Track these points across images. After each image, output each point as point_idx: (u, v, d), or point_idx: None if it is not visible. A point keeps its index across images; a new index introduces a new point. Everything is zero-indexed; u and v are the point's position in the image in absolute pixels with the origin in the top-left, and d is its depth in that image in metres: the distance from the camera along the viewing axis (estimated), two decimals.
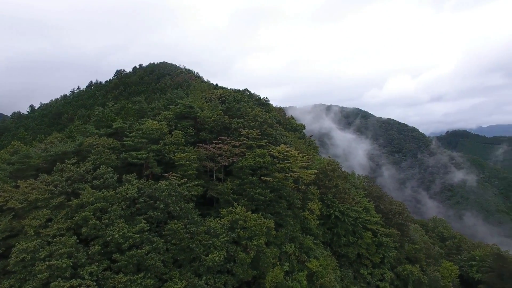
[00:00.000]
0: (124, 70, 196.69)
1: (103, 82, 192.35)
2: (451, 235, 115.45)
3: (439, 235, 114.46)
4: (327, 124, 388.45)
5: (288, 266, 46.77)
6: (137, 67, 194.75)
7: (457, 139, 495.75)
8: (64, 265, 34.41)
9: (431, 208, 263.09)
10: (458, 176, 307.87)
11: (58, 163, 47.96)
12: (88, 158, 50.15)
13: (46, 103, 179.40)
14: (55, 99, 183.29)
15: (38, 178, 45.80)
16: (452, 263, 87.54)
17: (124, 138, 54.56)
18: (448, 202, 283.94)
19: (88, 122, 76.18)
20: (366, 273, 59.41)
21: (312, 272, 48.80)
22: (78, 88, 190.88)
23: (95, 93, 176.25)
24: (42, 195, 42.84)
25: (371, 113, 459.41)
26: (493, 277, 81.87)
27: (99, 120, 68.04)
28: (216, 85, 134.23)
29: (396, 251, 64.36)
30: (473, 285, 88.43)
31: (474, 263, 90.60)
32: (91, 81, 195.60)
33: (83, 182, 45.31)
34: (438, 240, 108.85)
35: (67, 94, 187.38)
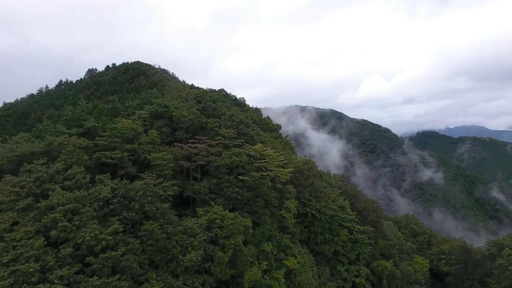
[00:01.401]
0: (96, 69, 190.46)
1: (74, 82, 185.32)
2: (422, 231, 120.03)
3: (411, 231, 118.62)
4: (303, 124, 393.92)
5: (266, 264, 46.83)
6: (110, 66, 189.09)
7: (427, 139, 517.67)
8: (30, 270, 32.77)
9: (403, 205, 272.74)
10: (427, 174, 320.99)
11: (25, 164, 45.75)
12: (59, 158, 48.14)
13: (11, 102, 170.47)
14: (20, 98, 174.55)
15: (3, 179, 43.47)
16: (423, 257, 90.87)
17: (97, 138, 52.77)
18: (419, 199, 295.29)
19: (58, 122, 73.18)
20: (343, 270, 60.46)
21: (290, 270, 49.14)
22: (47, 87, 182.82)
23: (65, 93, 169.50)
24: (6, 197, 40.70)
25: (346, 114, 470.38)
26: (460, 269, 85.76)
27: (70, 119, 65.47)
28: (192, 85, 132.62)
29: (371, 247, 65.96)
30: (442, 278, 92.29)
31: (443, 256, 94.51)
32: (61, 80, 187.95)
33: (53, 183, 43.45)
34: (410, 236, 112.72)
35: (34, 93, 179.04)
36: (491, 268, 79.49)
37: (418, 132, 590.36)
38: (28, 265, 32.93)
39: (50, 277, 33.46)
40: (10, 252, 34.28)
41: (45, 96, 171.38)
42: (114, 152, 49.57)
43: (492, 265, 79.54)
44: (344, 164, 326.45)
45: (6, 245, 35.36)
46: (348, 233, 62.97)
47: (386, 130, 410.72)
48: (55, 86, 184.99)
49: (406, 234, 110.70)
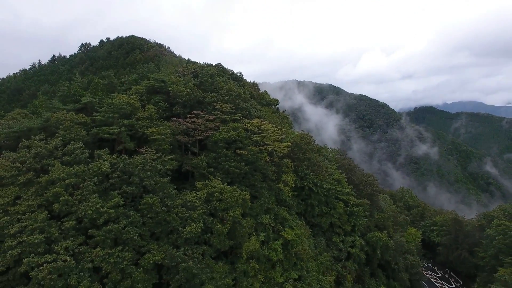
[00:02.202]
0: (90, 44, 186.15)
1: (67, 57, 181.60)
2: (416, 204, 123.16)
3: (406, 204, 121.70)
4: (300, 99, 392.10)
5: (264, 236, 48.21)
6: (104, 41, 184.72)
7: (424, 115, 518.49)
8: (36, 241, 33.70)
9: (398, 179, 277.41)
10: (423, 149, 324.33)
11: (23, 140, 45.86)
12: (57, 134, 48.21)
13: (3, 78, 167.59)
14: (13, 73, 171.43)
15: (2, 155, 43.72)
16: (416, 229, 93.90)
17: (94, 113, 52.66)
18: (414, 174, 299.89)
19: (54, 98, 72.53)
20: (338, 241, 62.42)
21: (287, 241, 50.67)
22: (40, 62, 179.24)
23: (59, 68, 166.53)
24: (8, 172, 41.11)
25: (344, 89, 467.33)
26: (450, 239, 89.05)
27: (66, 95, 64.90)
28: (189, 59, 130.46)
29: (366, 219, 67.75)
30: (433, 248, 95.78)
31: (435, 228, 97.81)
32: (54, 55, 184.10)
33: (53, 158, 43.74)
34: (404, 209, 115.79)
35: (27, 69, 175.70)
36: (480, 238, 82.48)
37: (415, 108, 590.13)
38: (33, 237, 33.81)
39: (55, 248, 34.46)
40: (15, 225, 35.07)
41: (38, 72, 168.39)
42: (111, 127, 49.63)
43: (481, 235, 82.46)
44: (341, 139, 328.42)
45: (11, 218, 36.09)
46: (344, 206, 64.48)
47: (384, 105, 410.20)
48: (48, 61, 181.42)
49: (400, 207, 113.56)
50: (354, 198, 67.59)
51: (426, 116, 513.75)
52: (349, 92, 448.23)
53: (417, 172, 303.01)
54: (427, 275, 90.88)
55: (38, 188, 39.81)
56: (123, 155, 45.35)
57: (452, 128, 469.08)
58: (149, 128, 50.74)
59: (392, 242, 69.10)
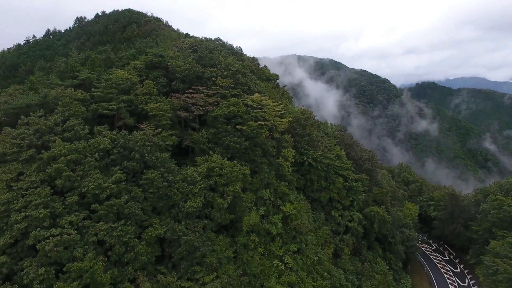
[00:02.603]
0: (85, 18, 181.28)
1: (63, 31, 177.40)
2: (415, 180, 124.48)
3: (404, 180, 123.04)
4: (300, 74, 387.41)
5: (264, 210, 49.16)
6: (100, 14, 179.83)
7: (425, 91, 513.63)
8: (41, 215, 34.42)
9: (397, 155, 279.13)
10: (422, 125, 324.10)
11: (22, 116, 45.77)
12: (56, 111, 48.05)
13: None
14: (7, 49, 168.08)
15: (2, 132, 43.75)
16: (414, 204, 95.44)
17: (93, 89, 52.21)
18: (413, 150, 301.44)
19: (51, 74, 71.65)
20: (337, 215, 63.67)
21: (287, 215, 51.71)
22: (34, 37, 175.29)
23: (55, 43, 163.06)
24: (9, 149, 41.32)
25: (345, 64, 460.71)
26: (446, 214, 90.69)
27: (63, 71, 64.10)
28: (187, 34, 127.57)
29: (364, 194, 68.74)
30: (429, 222, 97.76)
31: (432, 203, 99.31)
32: (49, 30, 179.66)
33: (53, 135, 43.86)
34: (403, 184, 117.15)
35: (22, 44, 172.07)
36: (475, 213, 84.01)
37: (417, 83, 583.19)
38: (38, 212, 34.51)
39: (60, 222, 35.25)
40: (20, 200, 35.68)
41: (33, 47, 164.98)
42: (110, 103, 49.38)
43: (477, 210, 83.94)
44: (341, 114, 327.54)
45: (15, 193, 36.67)
46: (343, 181, 65.26)
47: (385, 81, 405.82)
48: (42, 35, 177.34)
49: (399, 182, 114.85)
50: (353, 174, 68.28)
51: (428, 92, 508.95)
52: (350, 67, 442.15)
53: (416, 148, 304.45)
54: (422, 248, 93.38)
55: (40, 164, 40.16)
56: (123, 131, 45.40)
57: (452, 104, 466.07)
58: (148, 104, 50.49)
59: (389, 216, 70.44)
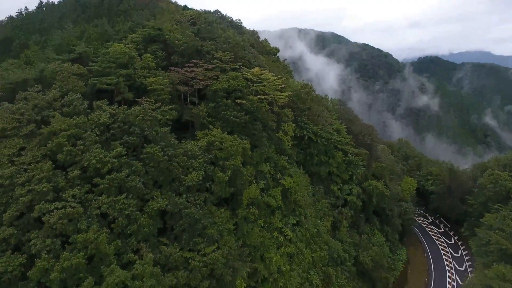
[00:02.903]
0: None
1: (56, 3, 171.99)
2: (414, 155, 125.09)
3: (403, 155, 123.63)
4: (301, 48, 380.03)
5: (263, 183, 49.77)
6: None
7: (428, 65, 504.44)
8: (44, 189, 34.92)
9: (397, 130, 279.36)
10: (423, 100, 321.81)
11: (19, 91, 45.43)
12: (54, 85, 47.64)
13: None
14: None
15: (0, 107, 43.60)
16: (412, 178, 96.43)
17: (90, 63, 51.57)
18: (413, 125, 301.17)
19: (46, 48, 70.39)
20: (336, 189, 64.57)
21: (286, 189, 52.41)
22: (26, 9, 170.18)
23: (49, 16, 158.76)
24: (9, 124, 41.33)
25: (347, 38, 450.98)
26: (444, 189, 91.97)
27: (59, 45, 63.02)
28: (185, 6, 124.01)
29: (363, 168, 69.39)
30: (427, 196, 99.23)
31: (430, 177, 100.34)
32: (41, 1, 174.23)
33: (52, 110, 43.73)
34: (402, 159, 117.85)
35: (14, 16, 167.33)
36: (472, 187, 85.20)
37: (419, 58, 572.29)
38: (41, 186, 34.99)
39: (63, 196, 35.80)
40: (22, 174, 36.09)
41: (26, 20, 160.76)
42: (109, 78, 48.91)
43: (474, 184, 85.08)
44: (341, 89, 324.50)
45: (18, 168, 37.04)
46: (343, 155, 65.64)
47: (387, 55, 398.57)
48: (35, 7, 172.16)
49: (398, 157, 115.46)
50: (352, 148, 68.59)
51: (430, 66, 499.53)
52: (352, 41, 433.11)
53: (416, 123, 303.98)
54: (419, 221, 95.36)
55: (41, 139, 40.31)
56: (122, 105, 45.20)
57: (455, 79, 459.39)
58: (147, 78, 50.04)
59: (388, 190, 71.44)
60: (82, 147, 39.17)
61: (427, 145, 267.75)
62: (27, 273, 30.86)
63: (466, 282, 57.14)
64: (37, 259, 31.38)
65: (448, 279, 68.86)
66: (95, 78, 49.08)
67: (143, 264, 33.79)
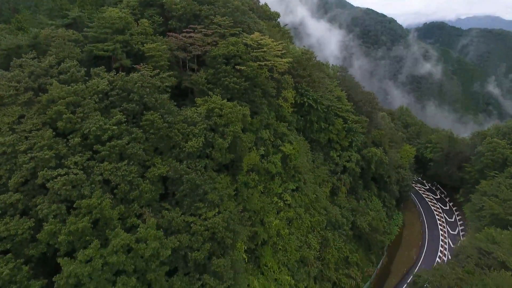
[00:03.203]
0: None
1: None
2: (414, 122, 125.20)
3: (404, 123, 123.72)
4: (302, 13, 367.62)
5: (263, 150, 50.22)
6: None
7: (433, 31, 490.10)
8: (47, 156, 35.26)
9: (399, 98, 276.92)
10: (426, 67, 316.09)
11: (14, 58, 44.60)
12: (49, 52, 46.67)
13: None
14: None
15: None
16: (411, 146, 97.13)
17: (86, 29, 50.15)
18: (415, 92, 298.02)
19: (38, 12, 68.17)
20: (335, 155, 65.25)
21: (286, 155, 52.99)
22: None
23: None
24: (6, 91, 40.98)
25: (351, 3, 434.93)
26: (442, 156, 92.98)
27: (51, 9, 61.03)
28: None
29: (363, 136, 69.76)
30: (425, 163, 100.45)
31: (429, 145, 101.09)
32: None
33: (49, 77, 43.17)
34: (402, 127, 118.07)
35: None
36: (470, 155, 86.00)
37: (425, 23, 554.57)
38: (43, 153, 35.23)
39: (65, 163, 36.14)
40: (24, 142, 36.33)
41: None
42: (106, 44, 47.77)
43: (472, 152, 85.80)
44: (343, 55, 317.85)
45: (19, 136, 37.22)
46: (342, 122, 65.75)
47: (391, 21, 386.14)
48: None
49: (398, 125, 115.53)
50: (353, 115, 68.56)
51: (436, 32, 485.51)
52: (355, 5, 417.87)
53: (418, 91, 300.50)
54: (416, 188, 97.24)
55: (40, 107, 40.12)
56: (120, 72, 44.56)
57: (460, 45, 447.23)
58: (144, 44, 48.90)
59: (386, 157, 72.28)
60: (81, 114, 39.00)
61: (427, 113, 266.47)
62: (36, 236, 31.88)
63: (458, 244, 59.28)
64: (45, 223, 32.28)
65: (440, 242, 71.44)
66: (92, 45, 47.98)
67: (146, 228, 34.81)
